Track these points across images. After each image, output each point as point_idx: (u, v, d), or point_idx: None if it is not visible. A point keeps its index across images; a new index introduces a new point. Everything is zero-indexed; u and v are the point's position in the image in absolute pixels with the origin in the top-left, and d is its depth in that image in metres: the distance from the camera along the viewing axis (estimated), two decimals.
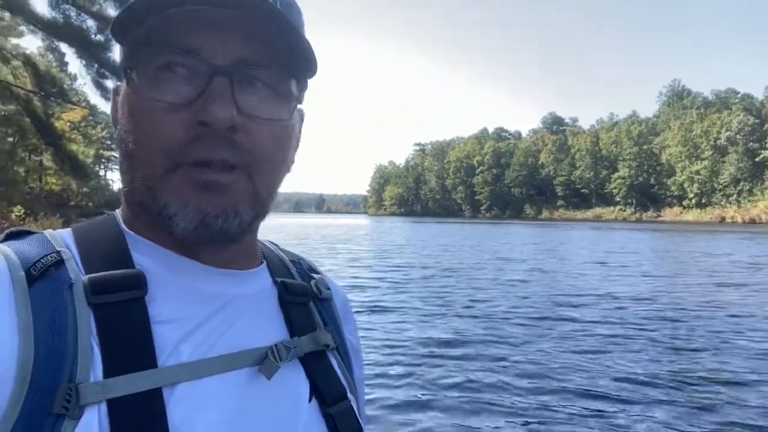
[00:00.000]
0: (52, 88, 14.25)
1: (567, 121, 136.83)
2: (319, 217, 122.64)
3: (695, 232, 47.50)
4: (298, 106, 0.59)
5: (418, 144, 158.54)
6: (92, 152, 24.86)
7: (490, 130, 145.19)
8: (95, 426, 0.45)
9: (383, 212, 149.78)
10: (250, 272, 0.62)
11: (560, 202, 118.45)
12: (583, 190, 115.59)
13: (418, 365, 5.96)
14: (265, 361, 0.55)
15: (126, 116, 0.54)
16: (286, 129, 0.58)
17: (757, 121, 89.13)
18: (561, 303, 10.11)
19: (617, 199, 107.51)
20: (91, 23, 11.94)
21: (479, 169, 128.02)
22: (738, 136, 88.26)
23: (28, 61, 14.22)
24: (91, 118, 40.39)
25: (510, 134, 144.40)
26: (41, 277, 0.49)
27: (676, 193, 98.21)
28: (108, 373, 0.47)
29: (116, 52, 0.47)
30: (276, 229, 43.14)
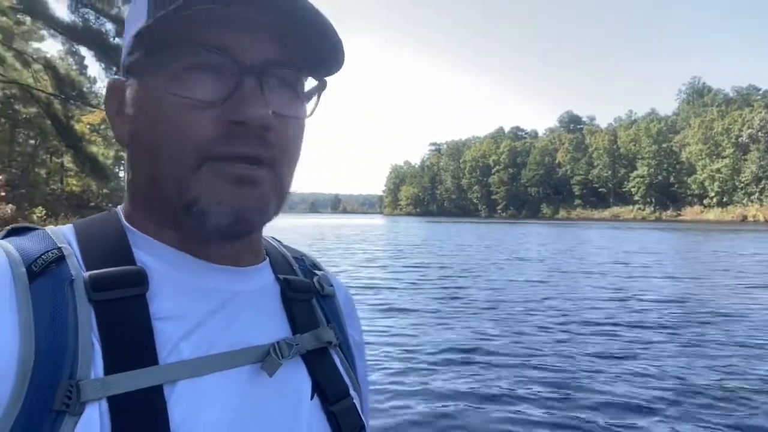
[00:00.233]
0: (72, 91, 14.42)
1: (584, 119, 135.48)
2: (334, 218, 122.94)
3: (717, 231, 46.62)
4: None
5: (434, 144, 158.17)
6: (112, 154, 25.14)
7: (506, 129, 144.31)
8: (96, 423, 0.45)
9: (399, 212, 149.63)
10: (253, 269, 0.61)
11: (577, 202, 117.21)
12: (600, 189, 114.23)
13: (436, 368, 5.87)
14: (266, 359, 0.55)
15: (145, 112, 0.53)
16: (302, 127, 0.58)
17: None
18: (582, 305, 9.94)
19: (636, 198, 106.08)
20: (109, 26, 12.06)
21: (495, 169, 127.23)
22: (760, 134, 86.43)
23: (48, 65, 14.41)
24: None
25: (526, 133, 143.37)
26: (42, 273, 0.50)
27: (696, 191, 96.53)
28: (109, 370, 0.47)
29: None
30: (292, 230, 43.27)
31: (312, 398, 0.58)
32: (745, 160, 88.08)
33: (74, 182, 31.62)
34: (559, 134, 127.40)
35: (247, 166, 0.52)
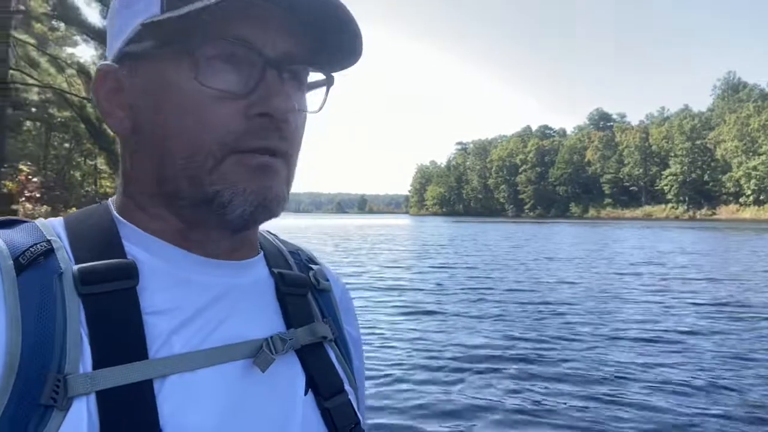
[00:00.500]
0: None
1: (615, 116, 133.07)
2: (361, 218, 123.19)
3: (755, 230, 45.11)
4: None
5: (460, 143, 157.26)
6: None
7: (534, 128, 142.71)
8: (84, 418, 0.44)
9: (425, 212, 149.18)
10: (246, 262, 0.61)
11: (608, 201, 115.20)
12: (631, 188, 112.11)
13: (458, 374, 5.72)
14: (259, 354, 0.54)
15: (162, 102, 0.52)
16: (305, 120, 0.59)
17: None
18: (615, 307, 9.66)
19: (669, 196, 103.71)
20: None
21: (522, 168, 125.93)
22: None
23: (81, 70, 14.74)
24: None
25: (554, 132, 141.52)
26: (30, 266, 0.49)
27: (731, 189, 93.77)
28: (97, 364, 0.47)
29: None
30: (318, 229, 43.46)
31: (306, 394, 0.58)
32: None
33: (108, 184, 32.32)
34: (589, 132, 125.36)
35: (264, 156, 0.53)
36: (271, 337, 0.56)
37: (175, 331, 0.51)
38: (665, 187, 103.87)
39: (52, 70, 15.90)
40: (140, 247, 0.55)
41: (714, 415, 4.57)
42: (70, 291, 0.49)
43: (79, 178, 30.82)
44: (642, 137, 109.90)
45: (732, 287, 12.11)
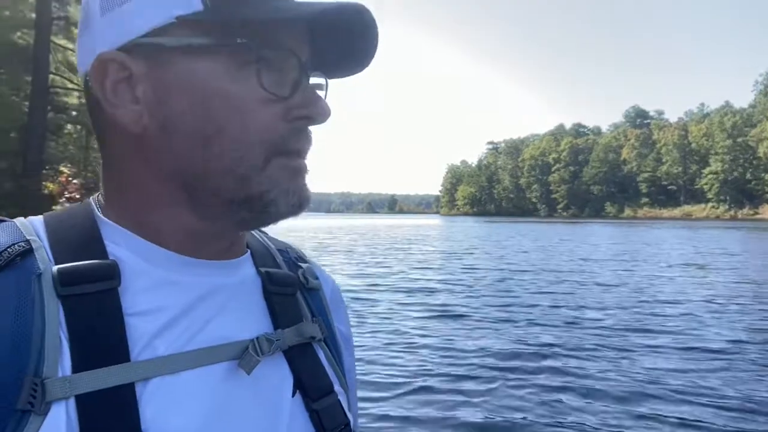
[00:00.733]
0: None
1: (652, 114, 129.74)
2: (391, 218, 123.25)
3: None
4: None
5: (491, 142, 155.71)
6: None
7: (567, 126, 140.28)
8: (63, 422, 0.43)
9: (456, 212, 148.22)
10: (232, 262, 0.59)
11: (644, 200, 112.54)
12: (670, 187, 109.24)
13: (490, 383, 5.52)
14: (244, 355, 0.53)
15: (203, 101, 0.50)
16: None
17: None
18: (653, 312, 9.26)
19: (709, 195, 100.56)
20: None
21: (555, 167, 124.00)
22: None
23: None
24: None
25: (589, 130, 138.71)
26: (7, 266, 0.48)
27: None
28: (77, 367, 0.46)
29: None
30: (349, 230, 43.57)
31: (294, 395, 0.57)
32: None
33: None
34: (625, 130, 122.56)
35: (300, 158, 0.55)
36: (257, 338, 0.55)
37: (158, 333, 0.50)
38: (705, 186, 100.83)
39: None
40: (123, 246, 0.53)
41: None
42: (49, 292, 0.48)
43: None
44: (681, 135, 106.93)
45: None
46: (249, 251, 0.64)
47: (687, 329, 7.86)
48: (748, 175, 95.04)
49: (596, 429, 4.31)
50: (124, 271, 0.51)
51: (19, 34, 16.33)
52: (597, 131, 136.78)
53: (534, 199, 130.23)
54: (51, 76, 16.49)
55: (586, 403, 4.88)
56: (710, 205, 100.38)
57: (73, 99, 18.26)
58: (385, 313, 8.89)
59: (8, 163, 15.29)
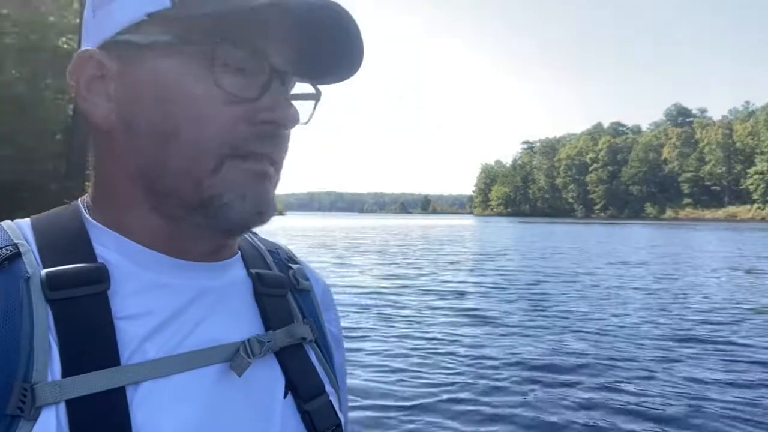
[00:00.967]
0: None
1: (694, 112, 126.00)
2: (424, 218, 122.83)
3: None
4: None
5: (526, 142, 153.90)
6: None
7: (605, 124, 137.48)
8: (53, 427, 0.43)
9: (490, 212, 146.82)
10: (222, 264, 0.59)
11: (686, 201, 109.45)
12: (713, 187, 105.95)
13: (521, 395, 5.25)
14: (235, 357, 0.53)
15: (162, 98, 0.50)
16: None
17: None
18: (699, 320, 8.76)
19: (755, 196, 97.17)
20: None
21: (593, 167, 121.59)
22: None
23: None
24: None
25: (628, 129, 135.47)
26: None
27: None
28: (67, 372, 0.45)
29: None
30: (383, 229, 43.55)
31: (285, 396, 0.57)
32: None
33: None
34: (665, 128, 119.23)
35: (263, 162, 0.53)
36: (248, 340, 0.55)
37: (149, 336, 0.50)
38: (750, 187, 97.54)
39: None
40: (111, 249, 0.53)
41: None
42: (38, 296, 0.47)
43: None
44: (725, 133, 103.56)
45: None
46: (239, 253, 0.63)
47: (734, 339, 7.39)
48: None
49: None
50: (113, 274, 0.51)
51: (63, 39, 16.84)
52: (637, 130, 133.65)
53: (570, 200, 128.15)
54: None
55: (625, 419, 4.58)
56: (756, 206, 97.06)
57: None
58: (415, 316, 8.72)
59: (53, 165, 15.75)
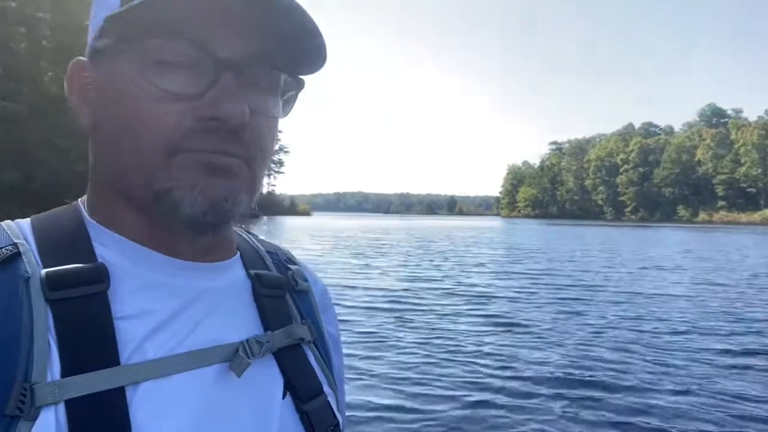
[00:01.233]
0: None
1: (729, 112, 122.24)
2: (450, 219, 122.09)
3: None
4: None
5: (554, 143, 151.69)
6: None
7: (637, 125, 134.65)
8: (52, 428, 0.43)
9: (517, 214, 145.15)
10: (222, 264, 0.60)
11: (721, 203, 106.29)
12: (749, 190, 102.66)
13: (554, 398, 5.01)
14: (234, 358, 0.53)
15: (113, 100, 0.52)
16: (276, 124, 0.57)
17: None
18: (739, 330, 8.34)
19: None
20: None
21: (623, 168, 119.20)
22: None
23: None
24: None
25: (660, 129, 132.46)
26: None
27: None
28: (66, 372, 0.45)
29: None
30: (406, 231, 43.33)
31: (284, 397, 0.57)
32: None
33: None
34: (699, 129, 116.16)
35: (216, 155, 0.51)
36: (248, 341, 0.55)
37: (148, 336, 0.50)
38: None
39: None
40: (111, 249, 0.53)
41: None
42: (38, 296, 0.47)
43: None
44: (761, 134, 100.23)
45: None
46: (239, 253, 0.64)
47: None
48: None
49: None
50: (113, 274, 0.51)
51: None
52: (669, 131, 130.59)
53: (600, 202, 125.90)
54: None
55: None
56: None
57: None
58: (437, 321, 8.52)
59: (86, 166, 16.05)
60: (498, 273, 15.55)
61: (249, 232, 0.71)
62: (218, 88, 0.50)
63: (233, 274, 0.61)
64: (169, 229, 0.54)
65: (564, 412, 4.75)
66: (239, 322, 0.58)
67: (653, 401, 5.04)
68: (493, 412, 4.71)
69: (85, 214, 0.56)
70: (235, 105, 0.50)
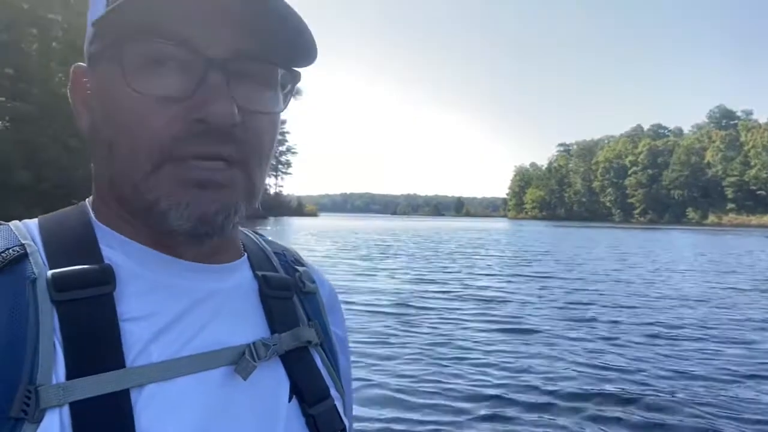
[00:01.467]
0: None
1: (739, 114, 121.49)
2: (457, 221, 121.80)
3: None
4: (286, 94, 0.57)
5: (562, 144, 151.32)
6: None
7: (645, 127, 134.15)
8: (56, 430, 0.43)
9: (524, 216, 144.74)
10: (228, 266, 0.59)
11: (730, 206, 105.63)
12: (759, 192, 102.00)
13: (563, 410, 4.90)
14: (240, 361, 0.53)
15: (103, 106, 0.51)
16: (276, 121, 0.56)
17: None
18: (758, 339, 8.21)
19: None
20: None
21: (632, 170, 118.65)
22: None
23: None
24: None
25: (669, 131, 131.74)
26: (2, 271, 0.47)
27: None
28: (71, 374, 0.45)
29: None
30: (414, 232, 43.24)
31: (290, 401, 0.56)
32: None
33: None
34: (709, 131, 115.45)
35: (211, 168, 0.50)
36: (254, 343, 0.55)
37: (154, 339, 0.50)
38: None
39: None
40: (117, 250, 0.53)
41: None
42: (44, 298, 0.47)
43: None
44: None
45: None
46: (246, 255, 0.63)
47: None
48: None
49: None
50: (119, 276, 0.50)
51: None
52: (678, 132, 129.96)
53: (608, 204, 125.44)
54: None
55: None
56: None
57: None
58: (445, 324, 8.43)
59: None
60: (507, 276, 15.40)
61: (256, 233, 0.70)
62: (206, 88, 0.48)
63: (240, 275, 0.60)
64: (170, 234, 0.52)
65: (576, 424, 4.65)
66: (246, 324, 0.57)
67: (668, 416, 4.91)
68: (500, 425, 4.61)
69: (92, 215, 0.56)
70: (222, 105, 0.48)
